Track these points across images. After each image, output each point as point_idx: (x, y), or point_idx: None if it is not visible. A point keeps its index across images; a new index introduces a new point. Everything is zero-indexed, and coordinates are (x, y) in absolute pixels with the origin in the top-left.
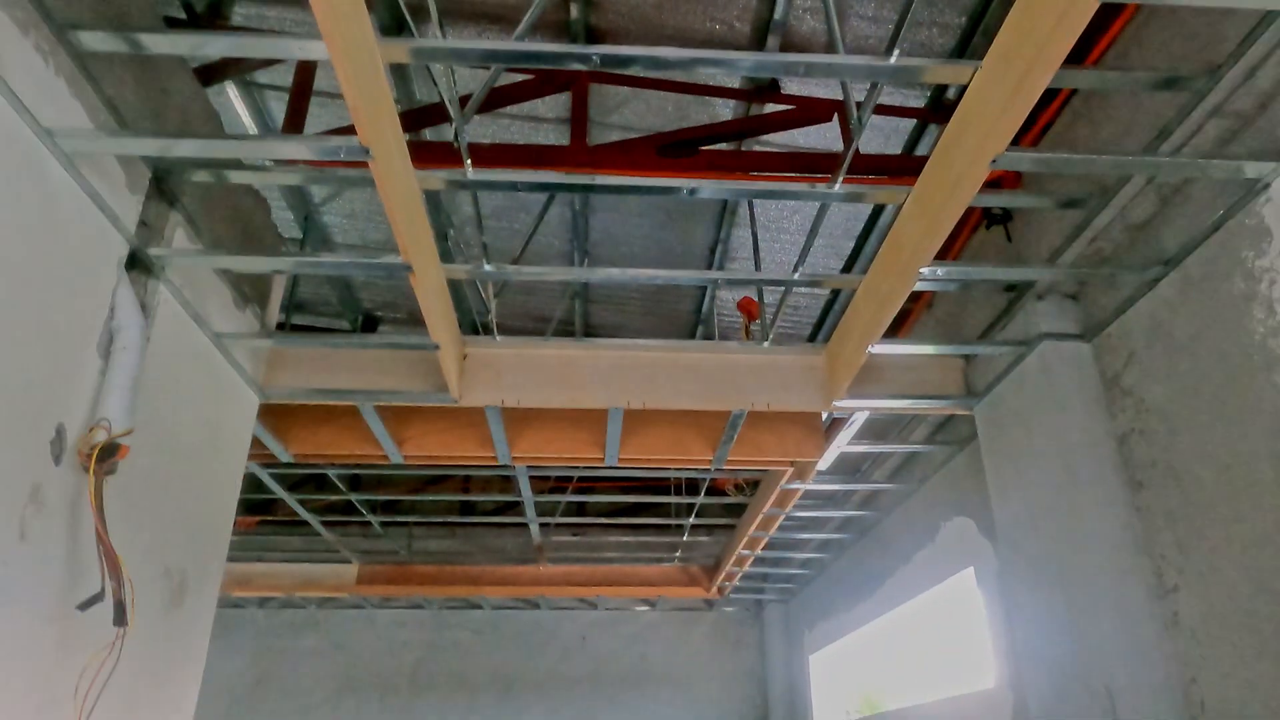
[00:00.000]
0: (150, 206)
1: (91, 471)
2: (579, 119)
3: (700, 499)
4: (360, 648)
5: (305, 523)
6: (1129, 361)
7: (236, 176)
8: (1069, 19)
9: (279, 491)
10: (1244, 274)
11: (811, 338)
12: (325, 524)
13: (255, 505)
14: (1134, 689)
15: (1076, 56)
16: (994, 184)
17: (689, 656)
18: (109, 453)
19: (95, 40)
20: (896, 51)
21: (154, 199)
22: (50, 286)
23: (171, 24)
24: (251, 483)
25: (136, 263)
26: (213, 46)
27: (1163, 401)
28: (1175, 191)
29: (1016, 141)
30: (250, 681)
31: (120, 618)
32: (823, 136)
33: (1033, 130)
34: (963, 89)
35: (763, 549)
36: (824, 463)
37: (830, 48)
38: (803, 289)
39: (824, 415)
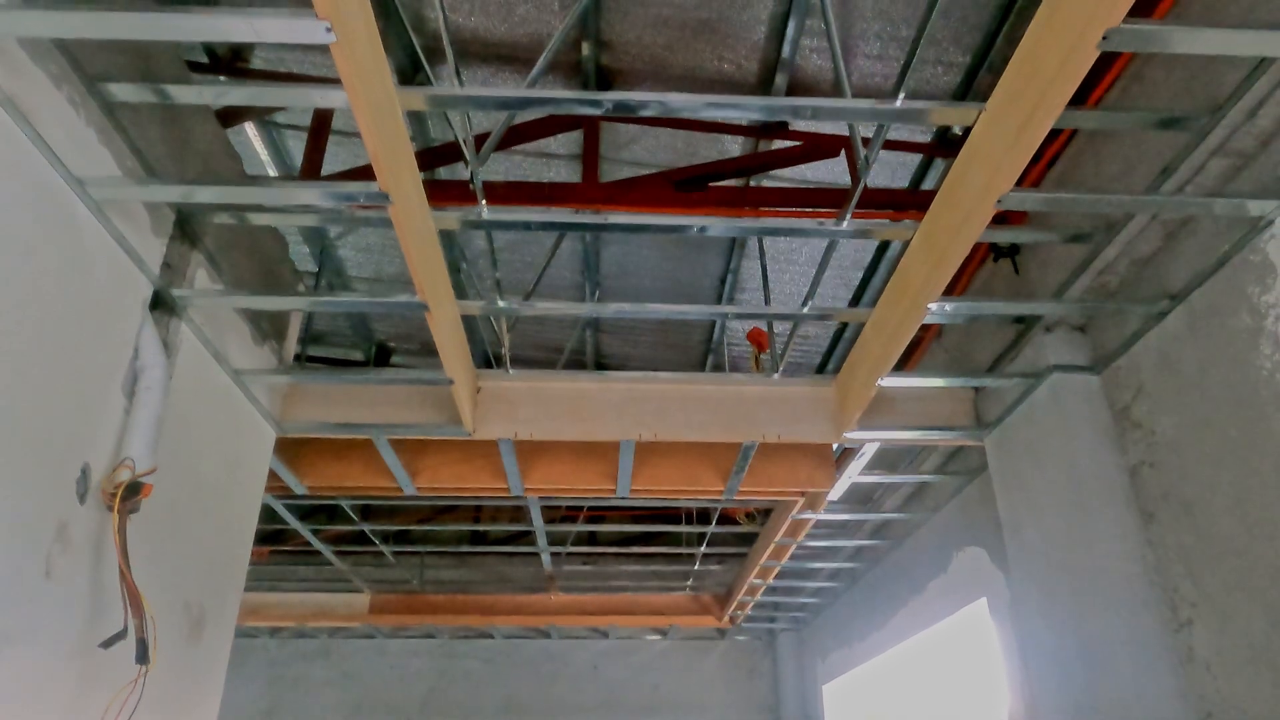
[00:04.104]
0: (174, 248)
1: (116, 510)
2: (590, 156)
3: (711, 528)
4: (372, 677)
5: (317, 552)
6: (1138, 394)
7: (257, 219)
8: (1071, 64)
9: (291, 522)
10: (1250, 309)
11: (821, 367)
12: (337, 553)
13: (267, 535)
14: None
15: (1080, 96)
16: (1000, 219)
17: (701, 686)
18: (133, 492)
19: (124, 91)
20: (902, 94)
21: (177, 240)
22: (77, 328)
23: (194, 68)
24: (264, 513)
25: (160, 303)
26: (236, 94)
27: (1173, 434)
28: (1181, 226)
29: (1022, 177)
30: (262, 711)
31: (143, 656)
32: (830, 170)
33: (1038, 165)
34: (968, 128)
35: (775, 578)
36: (835, 493)
37: (837, 86)
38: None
39: (835, 446)
